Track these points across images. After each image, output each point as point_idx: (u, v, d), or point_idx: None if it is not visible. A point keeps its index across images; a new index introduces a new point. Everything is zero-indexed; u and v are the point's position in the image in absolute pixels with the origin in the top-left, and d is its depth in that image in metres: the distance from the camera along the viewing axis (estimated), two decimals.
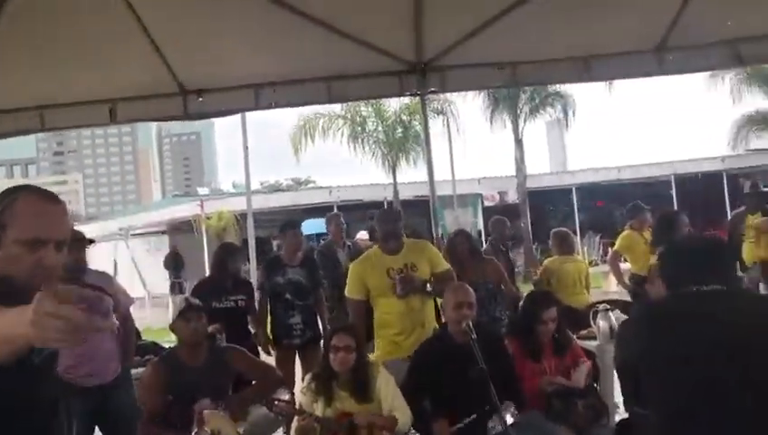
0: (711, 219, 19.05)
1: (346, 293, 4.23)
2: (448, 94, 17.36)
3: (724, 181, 23.42)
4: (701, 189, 22.57)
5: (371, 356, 3.81)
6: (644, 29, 5.29)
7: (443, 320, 3.86)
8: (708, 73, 17.98)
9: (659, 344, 1.87)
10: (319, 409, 3.33)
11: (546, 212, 26.05)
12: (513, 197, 23.08)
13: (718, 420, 1.76)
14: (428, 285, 4.11)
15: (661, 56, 5.52)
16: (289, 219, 8.48)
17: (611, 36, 5.29)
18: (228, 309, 4.88)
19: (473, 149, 22.43)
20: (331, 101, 7.42)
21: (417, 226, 10.85)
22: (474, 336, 2.90)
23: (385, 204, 19.37)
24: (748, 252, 6.52)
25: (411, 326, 3.98)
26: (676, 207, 21.16)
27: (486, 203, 23.46)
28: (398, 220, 4.29)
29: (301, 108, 16.96)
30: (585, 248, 22.30)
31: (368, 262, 4.23)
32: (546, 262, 6.48)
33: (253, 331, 5.22)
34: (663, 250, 2.34)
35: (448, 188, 20.18)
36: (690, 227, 5.64)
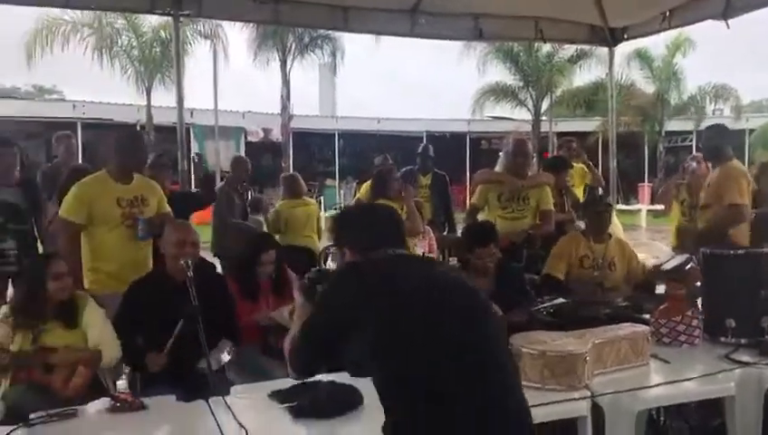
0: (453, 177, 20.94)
1: (61, 212, 3.89)
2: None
3: (467, 142, 25.96)
4: (448, 148, 24.66)
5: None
6: None
7: None
8: (461, 44, 19.44)
9: (385, 300, 1.82)
10: (17, 343, 3.06)
11: (311, 154, 26.44)
12: (277, 135, 22.98)
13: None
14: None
15: (414, 19, 5.87)
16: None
17: None
18: None
19: (241, 81, 21.78)
20: (68, 5, 6.80)
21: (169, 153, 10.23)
22: (190, 274, 2.85)
23: (138, 126, 18.08)
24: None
25: (132, 261, 3.83)
26: None
27: (250, 138, 23.05)
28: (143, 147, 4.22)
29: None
30: (342, 192, 23.20)
31: (95, 186, 3.94)
32: (277, 205, 6.59)
33: None
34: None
35: (211, 118, 19.44)
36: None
